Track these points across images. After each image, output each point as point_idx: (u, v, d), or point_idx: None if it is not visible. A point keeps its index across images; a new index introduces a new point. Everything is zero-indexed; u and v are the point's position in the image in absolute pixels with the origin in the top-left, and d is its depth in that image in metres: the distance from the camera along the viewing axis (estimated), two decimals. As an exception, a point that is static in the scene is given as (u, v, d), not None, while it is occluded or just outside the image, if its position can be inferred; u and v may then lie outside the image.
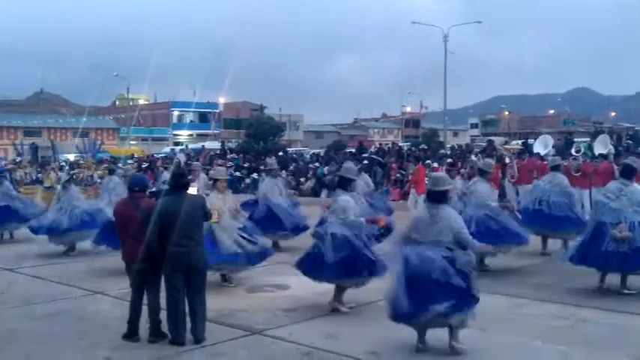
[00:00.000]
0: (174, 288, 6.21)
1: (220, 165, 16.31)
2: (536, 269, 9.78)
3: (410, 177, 15.83)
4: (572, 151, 18.47)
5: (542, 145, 18.66)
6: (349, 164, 8.57)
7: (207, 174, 13.79)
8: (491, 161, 11.20)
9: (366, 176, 12.86)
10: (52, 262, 10.96)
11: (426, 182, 15.64)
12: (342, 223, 7.06)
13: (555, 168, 11.34)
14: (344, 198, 7.26)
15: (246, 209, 10.66)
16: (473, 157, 17.72)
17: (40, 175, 25.71)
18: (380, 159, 24.81)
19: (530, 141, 23.91)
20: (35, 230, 12.02)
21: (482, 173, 9.74)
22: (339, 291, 7.36)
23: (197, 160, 27.42)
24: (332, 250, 6.96)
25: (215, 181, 8.92)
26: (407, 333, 6.07)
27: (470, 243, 5.82)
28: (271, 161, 12.88)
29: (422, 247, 5.79)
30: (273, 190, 11.68)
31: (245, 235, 8.44)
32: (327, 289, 7.39)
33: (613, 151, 17.48)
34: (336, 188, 7.58)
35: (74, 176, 20.26)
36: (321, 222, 7.83)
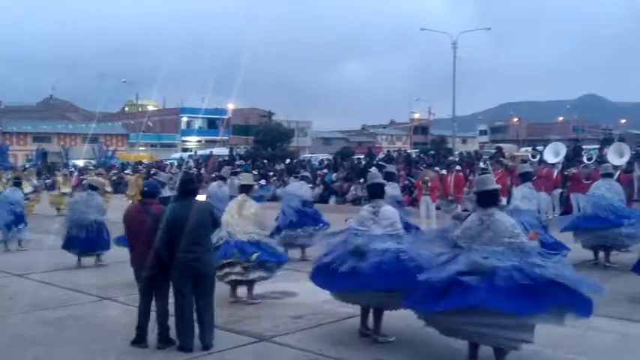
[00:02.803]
0: (183, 294, 6.21)
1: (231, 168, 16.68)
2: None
3: (430, 184, 15.73)
4: (584, 158, 18.35)
5: (553, 153, 18.59)
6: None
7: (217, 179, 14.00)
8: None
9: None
10: (62, 269, 10.98)
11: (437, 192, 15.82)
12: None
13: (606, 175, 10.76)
14: (390, 209, 6.62)
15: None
16: (481, 165, 17.69)
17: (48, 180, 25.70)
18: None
19: (539, 148, 23.81)
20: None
21: (524, 177, 9.45)
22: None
23: (206, 165, 27.56)
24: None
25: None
26: (414, 340, 6.04)
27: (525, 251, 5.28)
28: (306, 173, 15.31)
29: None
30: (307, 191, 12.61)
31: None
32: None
33: (627, 159, 17.13)
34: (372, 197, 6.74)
35: (83, 182, 20.41)
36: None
